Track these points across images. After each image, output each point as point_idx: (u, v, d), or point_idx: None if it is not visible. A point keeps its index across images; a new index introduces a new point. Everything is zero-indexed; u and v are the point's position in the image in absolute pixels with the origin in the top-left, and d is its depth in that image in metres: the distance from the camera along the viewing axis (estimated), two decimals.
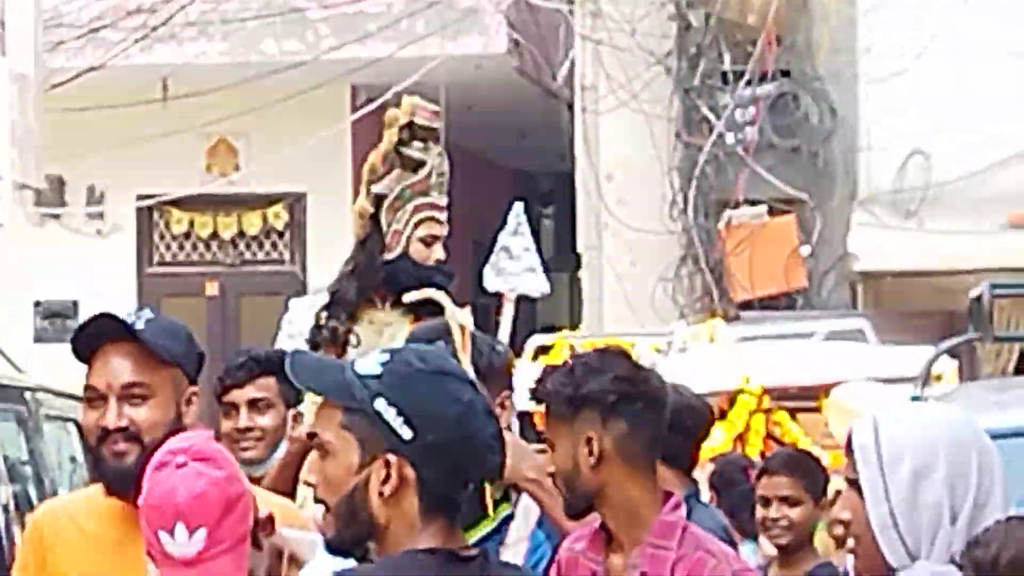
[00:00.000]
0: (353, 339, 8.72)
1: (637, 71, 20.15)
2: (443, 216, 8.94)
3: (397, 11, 24.13)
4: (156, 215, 26.48)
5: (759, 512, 9.01)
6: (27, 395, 12.92)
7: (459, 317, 7.30)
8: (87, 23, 22.44)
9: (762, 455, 12.99)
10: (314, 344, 8.39)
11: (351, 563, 4.05)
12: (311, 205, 24.49)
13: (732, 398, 14.02)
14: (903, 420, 4.41)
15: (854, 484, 4.20)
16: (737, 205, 20.38)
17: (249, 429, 7.67)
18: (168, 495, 4.26)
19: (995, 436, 5.46)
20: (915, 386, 10.76)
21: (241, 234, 26.83)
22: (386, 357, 3.81)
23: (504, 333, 9.28)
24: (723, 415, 14.24)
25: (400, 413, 3.64)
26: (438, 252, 8.74)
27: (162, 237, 26.83)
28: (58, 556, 5.37)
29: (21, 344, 17.04)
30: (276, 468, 7.28)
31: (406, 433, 3.63)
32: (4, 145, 17.66)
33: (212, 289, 25.63)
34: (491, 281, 9.48)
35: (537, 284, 9.66)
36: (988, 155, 18.35)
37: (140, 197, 26.12)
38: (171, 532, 4.31)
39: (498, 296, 9.52)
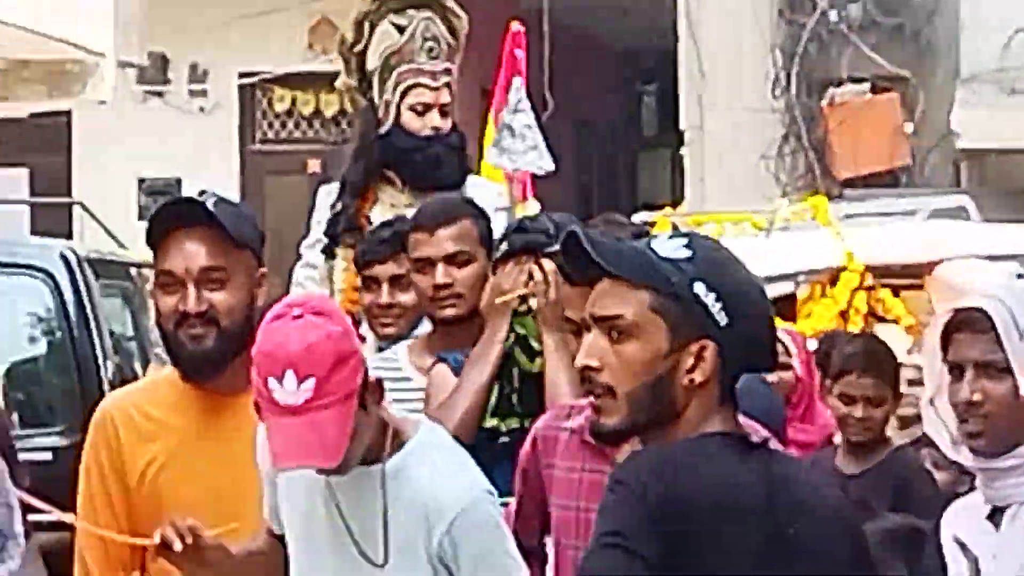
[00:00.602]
0: (373, 220, 8.83)
1: None
2: (437, 81, 8.90)
3: None
4: (258, 93, 26.07)
5: (839, 408, 8.76)
6: (132, 271, 13.22)
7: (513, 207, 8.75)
8: None
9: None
10: (332, 234, 8.57)
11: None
12: None
13: (835, 276, 13.78)
14: None
15: (987, 366, 4.11)
16: (840, 83, 20.19)
17: (390, 306, 7.52)
18: (281, 343, 4.32)
19: None
20: (1020, 263, 10.95)
21: (343, 112, 25.31)
22: (685, 240, 3.80)
23: (532, 209, 9.48)
24: (824, 293, 14.30)
25: (719, 298, 3.60)
26: (435, 120, 8.77)
27: (264, 115, 26.48)
28: (132, 450, 5.34)
29: (126, 221, 17.01)
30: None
31: (723, 319, 3.60)
32: (107, 23, 17.80)
33: (314, 166, 24.59)
34: (494, 159, 9.60)
35: (540, 161, 9.75)
36: None
37: (242, 75, 25.85)
38: (280, 379, 4.36)
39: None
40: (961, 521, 4.43)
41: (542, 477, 5.38)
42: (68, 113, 20.25)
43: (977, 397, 4.10)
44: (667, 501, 3.56)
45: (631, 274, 3.70)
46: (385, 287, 7.47)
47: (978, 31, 18.98)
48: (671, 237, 3.92)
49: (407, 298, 7.41)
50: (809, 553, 3.80)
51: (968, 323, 4.20)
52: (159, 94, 23.50)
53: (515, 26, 11.88)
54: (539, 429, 5.53)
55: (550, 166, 10.28)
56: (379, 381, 4.72)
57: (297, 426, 4.47)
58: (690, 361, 3.62)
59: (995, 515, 4.28)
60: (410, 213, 8.09)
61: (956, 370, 4.24)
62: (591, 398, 3.89)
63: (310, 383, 4.41)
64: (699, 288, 3.63)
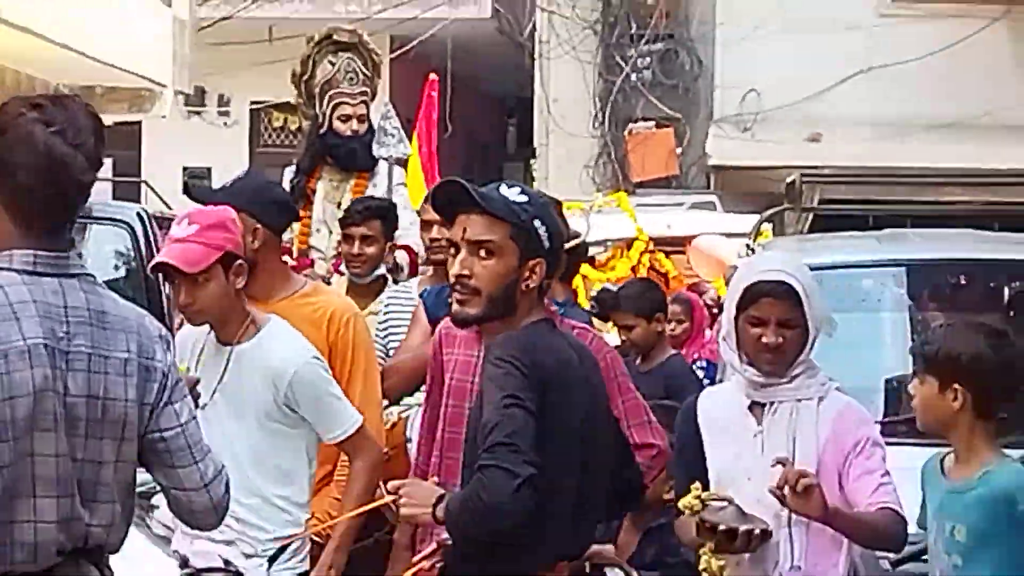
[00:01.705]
0: (317, 192, 10.77)
1: (576, 32, 22.97)
2: (355, 100, 10.77)
3: None
4: (262, 115, 29.04)
5: (621, 335, 10.83)
6: None
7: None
8: None
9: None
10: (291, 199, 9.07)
11: None
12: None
13: (630, 243, 16.75)
14: (798, 265, 6.16)
15: (786, 322, 5.62)
16: (636, 120, 22.79)
17: (360, 255, 9.14)
18: (187, 216, 6.41)
19: (812, 269, 6.92)
20: (748, 239, 11.69)
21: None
22: (519, 189, 5.39)
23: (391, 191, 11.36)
24: (623, 255, 17.06)
25: (547, 231, 5.16)
26: (353, 125, 10.65)
27: (265, 129, 29.54)
28: None
29: (174, 196, 17.92)
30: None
31: (547, 244, 5.15)
32: (168, 65, 20.85)
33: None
34: (377, 151, 11.01)
35: (405, 149, 11.66)
36: (797, 93, 21.11)
37: (252, 103, 28.55)
38: (179, 224, 6.42)
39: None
40: (720, 409, 5.89)
41: (441, 363, 6.38)
42: (139, 123, 23.38)
43: (778, 341, 5.56)
44: (535, 367, 4.94)
45: (498, 211, 5.14)
46: (357, 242, 8.94)
47: (725, 89, 21.94)
48: (510, 187, 5.43)
49: (372, 250, 8.92)
50: (602, 391, 5.61)
51: (770, 291, 5.64)
52: (198, 113, 26.82)
53: (432, 76, 14.46)
54: (439, 331, 6.58)
55: (409, 151, 12.27)
56: (244, 265, 6.45)
57: (178, 246, 6.34)
58: (527, 273, 5.16)
59: (753, 408, 5.77)
60: (340, 185, 10.80)
61: (760, 323, 5.57)
62: (457, 295, 5.29)
63: (193, 228, 6.26)
64: (537, 223, 5.16)
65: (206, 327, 6.42)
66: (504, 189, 5.23)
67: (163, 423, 4.27)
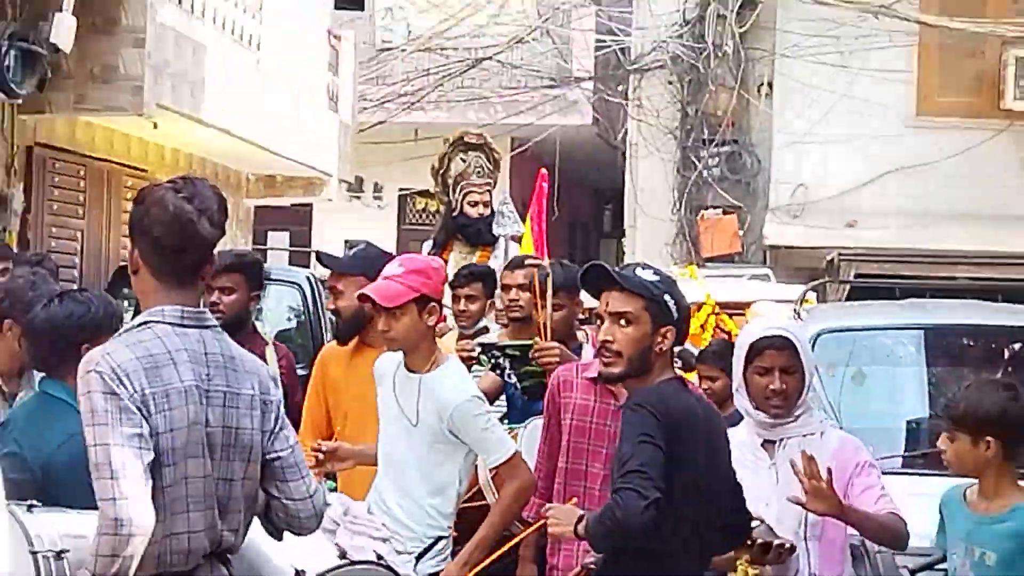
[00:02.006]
0: (449, 262, 10.11)
1: (659, 137, 22.42)
2: (481, 190, 10.62)
3: (535, 99, 25.71)
4: (408, 200, 28.78)
5: (703, 385, 9.30)
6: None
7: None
8: (377, 100, 24.82)
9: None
10: None
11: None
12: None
13: (699, 306, 15.05)
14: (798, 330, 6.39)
15: (786, 369, 5.72)
16: (707, 208, 21.90)
17: (464, 311, 9.00)
18: (399, 259, 6.67)
19: (846, 330, 8.98)
20: (795, 305, 11.08)
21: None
22: (652, 271, 5.38)
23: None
24: (693, 315, 16.26)
25: (675, 304, 5.15)
26: (480, 209, 10.50)
27: (411, 211, 29.21)
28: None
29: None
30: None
31: (675, 315, 5.13)
32: (334, 159, 21.01)
33: None
34: (496, 230, 10.82)
35: (519, 228, 11.08)
36: (838, 188, 20.72)
37: (400, 190, 28.16)
38: (392, 265, 6.51)
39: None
40: (737, 448, 5.65)
41: (559, 405, 6.44)
42: (311, 205, 23.64)
43: (782, 387, 5.66)
44: (665, 414, 4.94)
45: (634, 288, 5.16)
46: (462, 301, 8.83)
47: (779, 184, 21.34)
48: (644, 268, 5.46)
49: (474, 307, 8.88)
50: (724, 444, 5.43)
51: (771, 344, 5.72)
52: (358, 197, 26.46)
53: (543, 170, 12.02)
54: (556, 377, 6.61)
55: (521, 230, 11.48)
56: (438, 306, 6.54)
57: (383, 283, 6.31)
58: (659, 338, 5.16)
59: (765, 445, 5.84)
60: (469, 258, 10.42)
61: (765, 372, 5.70)
62: (603, 358, 5.32)
63: (400, 270, 6.29)
64: (667, 297, 5.14)
65: (399, 356, 6.43)
66: (639, 270, 5.27)
67: (278, 446, 4.49)
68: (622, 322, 5.12)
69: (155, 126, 15.63)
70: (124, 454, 4.11)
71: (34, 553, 4.56)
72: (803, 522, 5.57)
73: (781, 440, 5.65)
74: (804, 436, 5.63)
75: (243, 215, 21.48)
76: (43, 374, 6.15)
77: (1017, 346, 9.31)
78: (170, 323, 4.36)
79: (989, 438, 5.06)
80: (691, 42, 21.58)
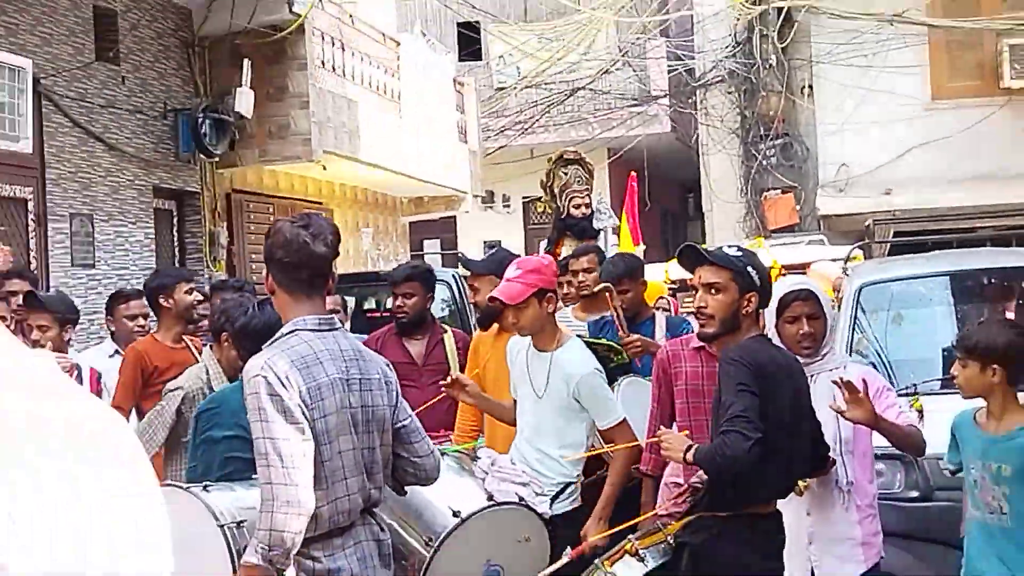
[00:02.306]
0: (561, 254, 9.67)
1: (725, 136, 22.28)
2: (581, 194, 10.31)
3: (623, 116, 25.29)
4: (531, 206, 27.48)
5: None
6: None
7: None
8: (498, 129, 24.74)
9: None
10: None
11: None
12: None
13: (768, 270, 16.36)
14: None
15: (811, 315, 5.60)
16: (768, 190, 21.54)
17: (566, 293, 8.27)
18: (516, 263, 6.39)
19: (884, 281, 8.83)
20: (843, 263, 11.50)
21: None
22: (737, 247, 5.39)
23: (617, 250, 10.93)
24: None
25: (757, 274, 5.04)
26: (583, 210, 10.24)
27: (533, 214, 28.01)
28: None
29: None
30: None
31: (758, 283, 5.02)
32: (468, 179, 20.83)
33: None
34: (596, 224, 10.59)
35: (615, 221, 11.42)
36: (875, 163, 20.23)
37: (524, 198, 26.78)
38: (511, 267, 6.36)
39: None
40: None
41: (670, 375, 6.08)
42: (454, 217, 23.39)
43: (810, 331, 5.55)
44: (757, 366, 4.88)
45: (722, 263, 5.09)
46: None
47: (825, 165, 20.94)
48: (730, 247, 5.47)
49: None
50: (805, 386, 5.26)
51: (798, 295, 5.59)
52: (490, 206, 26.36)
53: (633, 172, 14.13)
54: (664, 351, 6.30)
55: (617, 222, 12.14)
56: (553, 296, 6.29)
57: (505, 284, 6.12)
58: (745, 303, 5.06)
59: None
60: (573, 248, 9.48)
61: (794, 320, 5.56)
62: (700, 321, 5.28)
63: (518, 272, 6.12)
64: (750, 269, 5.06)
65: (528, 339, 6.31)
66: (726, 248, 5.31)
67: (401, 416, 4.64)
68: (713, 291, 5.04)
69: (324, 168, 15.62)
70: (291, 447, 4.24)
71: (221, 526, 4.63)
72: (838, 439, 5.44)
73: (812, 376, 5.42)
74: (831, 370, 5.47)
75: (400, 230, 21.52)
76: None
77: (1019, 287, 9.00)
78: (311, 329, 4.50)
79: (995, 366, 4.93)
80: (742, 59, 21.46)
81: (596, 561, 5.30)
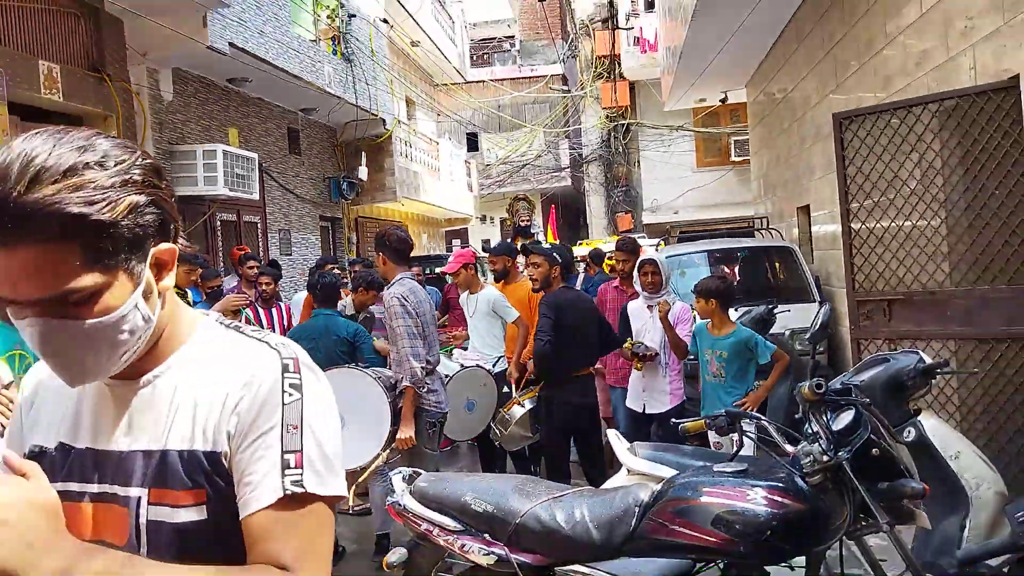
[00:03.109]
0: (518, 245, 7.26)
1: (598, 187, 19.64)
2: (527, 215, 8.58)
3: (548, 177, 22.65)
4: (504, 221, 23.56)
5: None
6: None
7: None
8: (487, 184, 22.38)
9: None
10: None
11: None
12: None
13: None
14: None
15: (655, 272, 4.88)
16: (619, 212, 19.96)
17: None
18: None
19: (676, 255, 7.68)
20: (656, 246, 9.74)
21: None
22: (551, 247, 4.80)
23: None
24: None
25: (560, 256, 4.53)
26: (526, 222, 8.50)
27: (505, 226, 23.32)
28: None
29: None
30: None
31: (560, 260, 4.60)
32: (473, 209, 19.39)
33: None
34: (532, 229, 8.35)
35: (540, 230, 9.05)
36: (670, 200, 18.22)
37: (501, 218, 23.71)
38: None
39: None
40: (636, 309, 4.97)
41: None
42: (467, 228, 21.05)
43: (653, 280, 4.76)
44: (554, 304, 4.39)
45: (541, 252, 4.61)
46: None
47: (646, 199, 18.40)
48: (550, 245, 4.86)
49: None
50: (588, 310, 4.63)
51: (647, 262, 4.92)
52: (482, 221, 22.80)
53: (553, 207, 13.36)
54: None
55: (540, 229, 10.67)
56: (475, 266, 5.31)
57: (457, 258, 5.29)
58: (554, 271, 4.56)
59: (648, 307, 4.91)
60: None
61: (645, 274, 4.80)
62: (533, 284, 4.65)
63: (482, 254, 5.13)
64: (556, 255, 4.64)
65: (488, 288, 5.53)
66: (545, 245, 4.58)
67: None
68: (535, 266, 4.73)
69: (402, 204, 15.07)
70: (415, 345, 4.03)
71: (376, 378, 4.22)
72: (663, 340, 4.85)
73: (650, 306, 4.95)
74: (663, 301, 4.87)
75: (440, 235, 20.06)
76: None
77: (739, 255, 8.32)
78: (410, 279, 4.24)
79: (713, 299, 4.46)
80: (606, 148, 20.47)
81: (499, 408, 4.84)
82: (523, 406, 4.75)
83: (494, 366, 5.25)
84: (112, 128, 7.71)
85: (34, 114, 6.67)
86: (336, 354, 4.52)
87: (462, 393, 4.79)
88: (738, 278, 7.97)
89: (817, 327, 4.73)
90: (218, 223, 9.57)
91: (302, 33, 10.15)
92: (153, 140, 8.03)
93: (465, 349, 5.64)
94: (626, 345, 4.79)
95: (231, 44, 8.10)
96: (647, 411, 4.89)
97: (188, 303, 5.12)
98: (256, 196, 9.51)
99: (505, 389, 5.03)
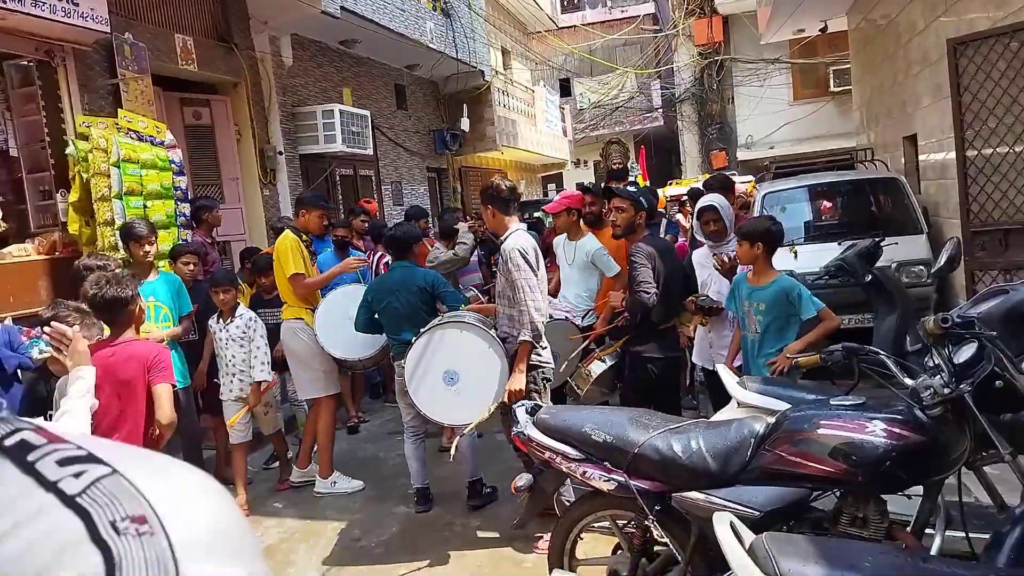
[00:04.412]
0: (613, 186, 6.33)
1: (690, 124, 19.57)
2: (618, 158, 8.14)
3: (640, 118, 21.98)
4: (596, 164, 22.76)
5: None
6: None
7: None
8: (581, 128, 22.77)
9: None
10: None
11: None
12: None
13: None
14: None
15: (717, 219, 4.38)
16: (713, 150, 18.69)
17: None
18: None
19: (774, 191, 7.32)
20: (753, 182, 9.83)
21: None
22: (635, 186, 4.32)
23: None
24: None
25: (646, 200, 4.12)
26: (618, 165, 7.92)
27: (599, 169, 22.53)
28: None
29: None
30: None
31: (645, 205, 4.10)
32: (567, 153, 18.87)
33: None
34: (628, 173, 6.89)
35: (636, 171, 8.53)
36: (767, 135, 17.71)
37: (595, 161, 22.87)
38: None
39: None
40: (701, 257, 4.41)
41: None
42: (561, 172, 20.48)
43: (715, 229, 4.33)
44: (647, 253, 4.00)
45: (625, 195, 4.16)
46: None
47: (741, 136, 17.97)
48: (632, 183, 4.40)
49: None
50: (676, 259, 4.17)
51: (705, 208, 4.36)
52: (576, 165, 22.17)
53: (643, 148, 12.42)
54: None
55: (637, 171, 10.12)
56: (578, 212, 4.76)
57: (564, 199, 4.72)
58: (639, 217, 4.13)
59: (713, 255, 4.31)
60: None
61: (707, 222, 4.31)
62: (614, 227, 4.16)
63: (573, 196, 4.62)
64: (641, 199, 4.11)
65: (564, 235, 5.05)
66: (629, 186, 4.39)
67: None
68: (620, 210, 4.25)
69: (502, 153, 14.87)
70: (532, 281, 3.72)
71: (488, 333, 3.95)
72: (721, 291, 4.36)
73: (715, 253, 4.44)
74: (720, 256, 4.40)
75: (537, 180, 19.81)
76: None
77: (841, 188, 7.82)
78: (520, 229, 3.93)
79: (759, 243, 3.86)
80: (699, 86, 19.83)
81: (578, 364, 4.38)
82: (604, 362, 4.35)
83: (583, 319, 4.84)
84: (243, 94, 8.04)
85: (173, 84, 7.00)
86: (416, 304, 4.32)
87: (553, 342, 4.38)
88: (839, 211, 7.70)
89: (943, 261, 4.19)
90: (337, 178, 9.76)
91: None
92: (279, 104, 8.23)
93: (554, 297, 5.04)
94: (690, 299, 4.32)
95: (342, 7, 8.22)
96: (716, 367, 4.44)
97: (312, 251, 4.90)
98: (370, 151, 9.57)
99: (591, 345, 4.54)
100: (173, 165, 5.83)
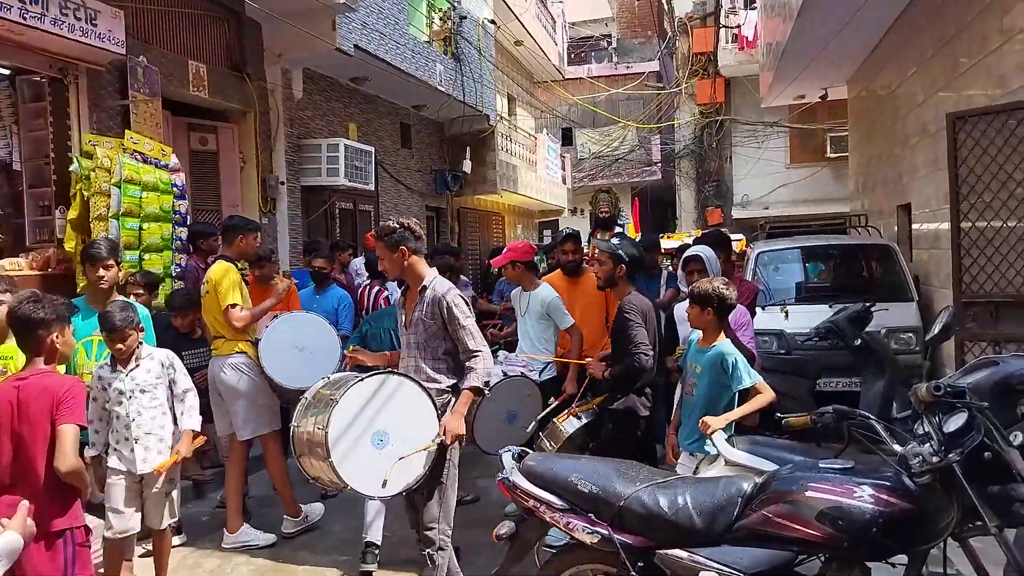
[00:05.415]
0: (598, 236, 6.86)
1: (689, 181, 19.46)
2: (606, 207, 7.95)
3: (639, 171, 22.21)
4: (593, 213, 22.00)
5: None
6: None
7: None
8: (579, 177, 22.11)
9: None
10: None
11: None
12: None
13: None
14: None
15: (700, 270, 4.28)
16: (709, 207, 18.98)
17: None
18: None
19: (768, 251, 7.29)
20: (747, 241, 9.97)
21: None
22: (615, 243, 4.09)
23: None
24: None
25: (626, 254, 3.96)
26: (605, 214, 8.01)
27: (593, 214, 21.57)
28: None
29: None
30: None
31: (625, 258, 3.96)
32: (565, 201, 19.08)
33: None
34: (618, 222, 7.32)
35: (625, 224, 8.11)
36: (761, 195, 17.91)
37: (590, 210, 22.35)
38: None
39: None
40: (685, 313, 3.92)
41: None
42: (557, 220, 19.89)
43: (698, 279, 3.94)
44: (642, 311, 3.87)
45: (606, 249, 4.04)
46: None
47: (736, 195, 18.12)
48: (614, 236, 4.41)
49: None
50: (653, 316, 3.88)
51: (690, 258, 4.32)
52: (573, 213, 21.83)
53: (636, 200, 12.98)
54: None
55: (625, 223, 9.52)
56: (530, 264, 4.61)
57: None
58: (619, 270, 3.98)
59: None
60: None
61: (691, 272, 4.19)
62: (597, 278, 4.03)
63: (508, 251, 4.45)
64: (621, 252, 3.99)
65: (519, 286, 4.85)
66: (613, 240, 4.29)
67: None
68: (599, 263, 4.20)
69: (501, 196, 14.81)
70: (476, 330, 3.42)
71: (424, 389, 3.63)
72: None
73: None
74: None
75: (534, 225, 19.73)
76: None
77: (834, 252, 7.84)
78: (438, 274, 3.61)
79: (708, 307, 3.61)
80: (698, 144, 19.98)
81: (553, 419, 4.18)
82: (579, 419, 4.07)
83: (540, 374, 4.58)
84: (250, 123, 8.06)
85: (183, 109, 7.01)
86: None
87: (504, 404, 4.15)
88: (831, 274, 7.77)
89: (939, 329, 4.14)
90: (337, 211, 9.74)
91: (417, 34, 10.28)
92: (285, 135, 8.28)
93: (512, 351, 4.79)
94: (673, 355, 4.14)
95: (356, 46, 8.29)
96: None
97: (297, 285, 4.78)
98: (371, 186, 9.56)
99: (551, 400, 4.36)
100: (175, 188, 5.82)
